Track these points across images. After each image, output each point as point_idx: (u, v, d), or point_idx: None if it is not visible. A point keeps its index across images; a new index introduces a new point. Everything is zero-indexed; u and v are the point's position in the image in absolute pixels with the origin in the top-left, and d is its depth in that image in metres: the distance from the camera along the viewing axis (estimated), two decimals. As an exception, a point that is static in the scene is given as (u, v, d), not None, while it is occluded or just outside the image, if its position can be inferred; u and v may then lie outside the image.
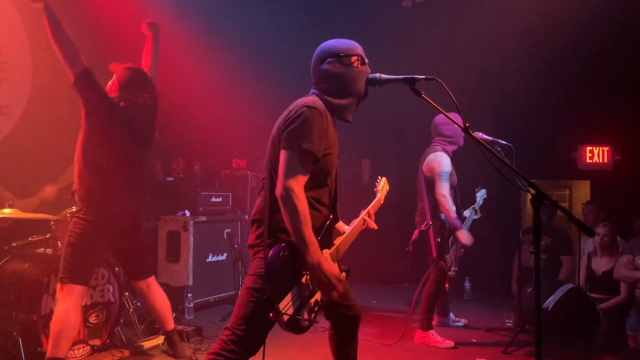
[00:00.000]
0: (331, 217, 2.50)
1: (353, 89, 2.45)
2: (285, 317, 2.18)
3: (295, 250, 2.22)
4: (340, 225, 2.64)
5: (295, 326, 2.24)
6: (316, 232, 2.32)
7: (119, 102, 3.62)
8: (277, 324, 2.24)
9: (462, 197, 4.82)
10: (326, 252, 2.39)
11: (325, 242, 2.42)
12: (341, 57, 2.44)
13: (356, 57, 2.46)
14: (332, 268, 2.27)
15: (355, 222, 2.64)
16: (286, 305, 2.18)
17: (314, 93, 2.48)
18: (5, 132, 5.11)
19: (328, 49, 2.48)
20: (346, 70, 2.43)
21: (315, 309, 2.35)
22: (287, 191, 2.20)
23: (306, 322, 2.29)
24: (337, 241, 2.50)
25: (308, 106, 2.29)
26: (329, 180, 2.44)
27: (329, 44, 2.50)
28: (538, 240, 2.06)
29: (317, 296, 2.36)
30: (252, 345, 2.36)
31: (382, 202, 2.91)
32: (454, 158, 4.64)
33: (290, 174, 2.22)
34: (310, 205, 2.30)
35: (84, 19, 5.54)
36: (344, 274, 2.48)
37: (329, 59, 2.45)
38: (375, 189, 2.95)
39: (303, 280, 2.27)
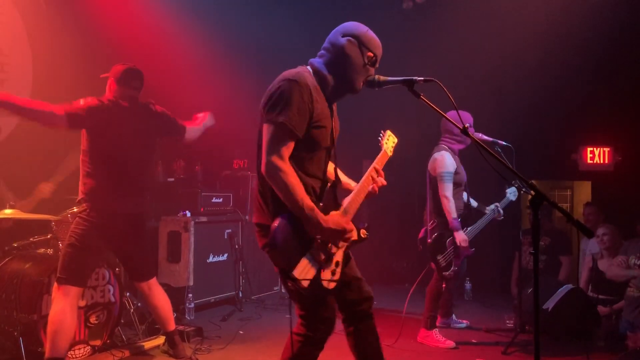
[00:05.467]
0: (332, 181, 2.50)
1: (350, 78, 2.46)
2: (305, 283, 2.21)
3: (297, 219, 2.24)
4: (349, 184, 2.65)
5: (317, 289, 2.28)
6: (317, 198, 2.37)
7: (120, 102, 3.61)
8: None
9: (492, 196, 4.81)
10: (334, 213, 2.40)
11: (330, 205, 2.43)
12: (362, 45, 2.44)
13: (372, 55, 2.47)
14: (333, 218, 2.29)
15: (363, 179, 2.59)
16: (302, 271, 2.21)
17: (311, 62, 2.48)
18: (7, 132, 5.12)
19: (356, 30, 2.47)
20: (356, 60, 2.44)
21: (337, 270, 2.36)
22: (271, 167, 2.23)
23: (330, 282, 2.32)
24: (345, 202, 2.50)
25: (288, 79, 2.30)
26: (319, 151, 2.43)
27: (359, 27, 2.50)
28: (537, 241, 2.06)
29: (338, 257, 2.38)
30: (322, 319, 2.42)
31: (389, 155, 2.80)
32: (474, 155, 4.61)
33: (271, 150, 2.25)
34: (303, 173, 2.33)
35: (85, 22, 5.57)
36: (363, 230, 2.49)
37: (350, 38, 2.45)
38: (379, 143, 2.81)
39: (315, 244, 2.29)
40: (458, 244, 4.40)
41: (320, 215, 2.25)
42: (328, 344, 2.51)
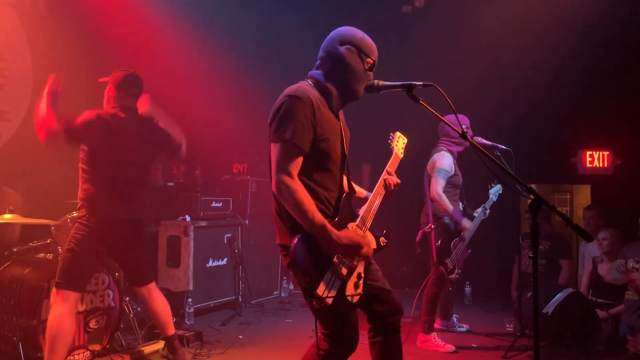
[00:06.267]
0: (345, 193, 2.49)
1: (353, 86, 2.45)
2: (329, 300, 2.21)
3: (314, 237, 2.24)
4: (362, 193, 2.65)
5: (342, 305, 2.28)
6: (334, 212, 2.38)
7: (118, 113, 3.60)
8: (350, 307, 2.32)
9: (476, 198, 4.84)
10: (352, 225, 2.40)
11: (348, 216, 2.43)
12: (361, 52, 2.43)
13: (371, 61, 2.46)
14: (347, 234, 2.29)
15: (377, 186, 2.59)
16: (325, 289, 2.21)
17: (311, 75, 2.47)
18: (7, 137, 5.13)
19: (354, 37, 2.45)
20: (357, 67, 2.42)
21: (360, 283, 2.35)
22: (280, 185, 2.24)
23: (354, 296, 2.31)
24: (361, 211, 2.50)
25: (290, 96, 2.30)
26: (331, 164, 2.42)
27: (355, 33, 2.47)
28: (536, 245, 2.06)
29: (360, 269, 2.37)
30: (346, 338, 2.43)
31: (400, 157, 2.77)
32: (463, 158, 4.65)
33: (279, 168, 2.26)
34: (314, 190, 2.33)
35: (85, 27, 5.58)
36: (382, 238, 2.50)
37: (349, 46, 2.43)
38: (390, 147, 2.78)
39: (335, 260, 2.28)
40: (465, 235, 4.49)
41: (332, 231, 2.24)
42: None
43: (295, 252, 2.22)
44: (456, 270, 4.53)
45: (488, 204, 4.80)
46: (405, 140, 2.84)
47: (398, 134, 2.82)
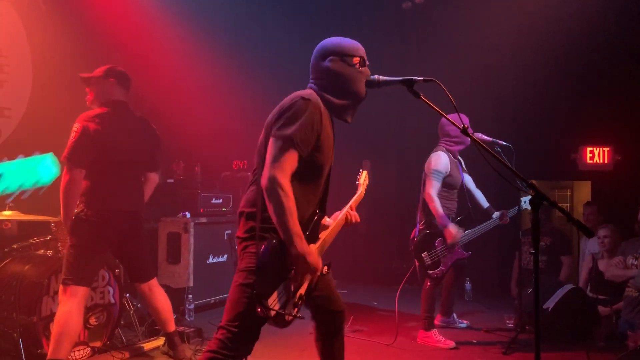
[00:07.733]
0: (318, 212, 2.49)
1: (353, 89, 2.44)
2: (273, 313, 2.18)
3: (285, 247, 2.22)
4: (324, 219, 2.62)
5: (281, 321, 2.25)
6: (304, 226, 2.30)
7: (102, 109, 3.58)
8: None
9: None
10: (312, 246, 2.39)
11: (313, 236, 2.43)
12: (344, 56, 2.44)
13: (358, 59, 2.46)
14: (316, 260, 2.28)
15: (339, 217, 2.63)
16: (274, 301, 2.18)
17: (311, 88, 2.47)
18: (6, 134, 5.12)
19: (331, 46, 2.47)
20: (347, 71, 2.43)
21: (299, 304, 2.35)
22: (272, 182, 2.18)
23: (291, 316, 2.29)
24: (322, 236, 2.50)
25: (303, 98, 2.30)
26: (319, 176, 2.43)
27: (332, 42, 2.49)
28: (537, 241, 2.06)
29: (302, 290, 2.36)
30: (248, 342, 2.35)
31: (362, 196, 2.89)
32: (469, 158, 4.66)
33: (275, 164, 2.21)
34: (297, 198, 2.26)
35: (84, 23, 5.56)
36: (325, 267, 2.49)
37: (331, 57, 2.44)
38: (357, 182, 2.93)
39: (290, 275, 2.28)
40: (448, 241, 4.39)
41: (305, 245, 2.23)
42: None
43: (265, 257, 2.19)
44: (439, 268, 4.50)
45: (512, 212, 4.74)
46: (368, 181, 3.00)
47: (365, 173, 2.98)
